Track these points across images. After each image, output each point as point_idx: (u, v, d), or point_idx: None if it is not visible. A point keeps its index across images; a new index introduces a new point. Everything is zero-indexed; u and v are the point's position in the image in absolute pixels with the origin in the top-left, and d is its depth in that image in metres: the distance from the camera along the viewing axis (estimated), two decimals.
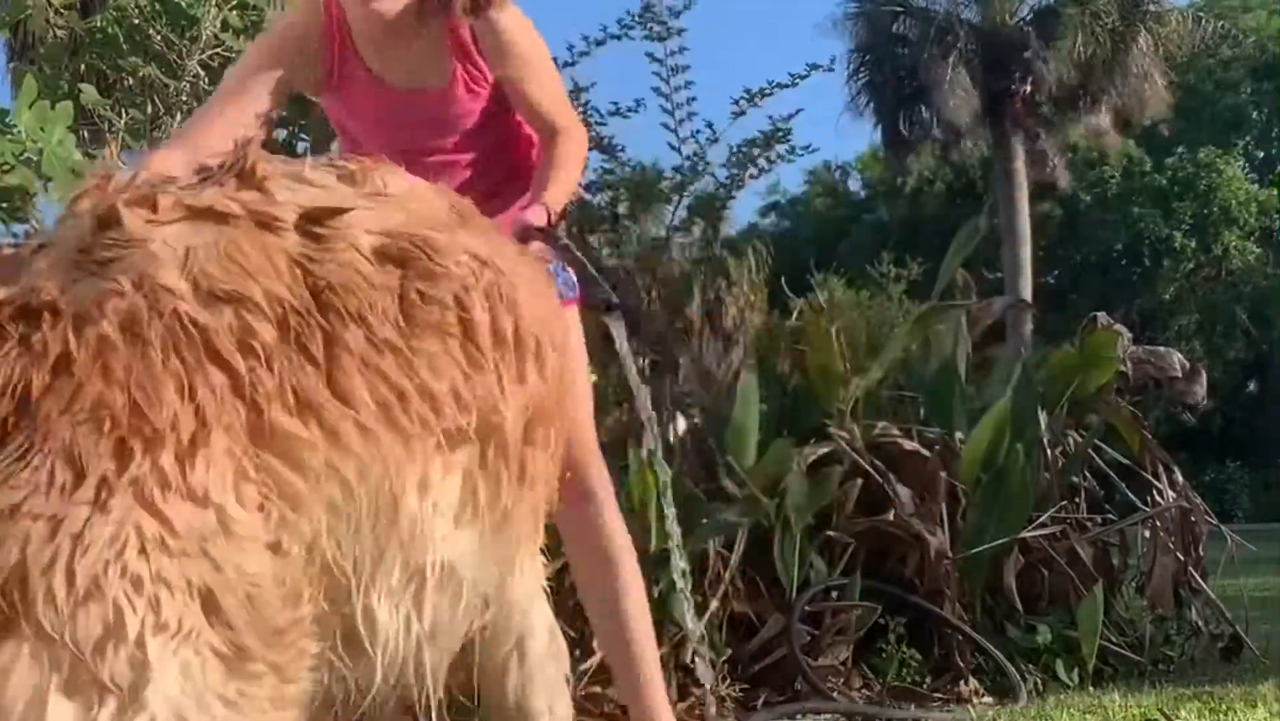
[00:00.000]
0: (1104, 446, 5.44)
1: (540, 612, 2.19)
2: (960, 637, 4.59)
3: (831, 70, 7.22)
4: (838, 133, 31.05)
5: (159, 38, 4.55)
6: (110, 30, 4.60)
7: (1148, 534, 5.33)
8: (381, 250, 1.76)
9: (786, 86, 6.36)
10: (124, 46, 4.57)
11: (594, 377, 5.40)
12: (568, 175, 2.70)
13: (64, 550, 1.41)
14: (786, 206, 34.45)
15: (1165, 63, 24.77)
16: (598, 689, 4.01)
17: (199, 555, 1.48)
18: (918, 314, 5.60)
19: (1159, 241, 32.34)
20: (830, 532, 4.58)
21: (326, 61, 2.73)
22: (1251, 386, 33.28)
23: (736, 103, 6.20)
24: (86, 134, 4.54)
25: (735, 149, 6.13)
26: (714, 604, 4.28)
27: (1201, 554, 5.36)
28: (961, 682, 4.49)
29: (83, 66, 4.84)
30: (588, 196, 5.62)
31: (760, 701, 4.23)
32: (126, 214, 1.67)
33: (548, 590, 2.25)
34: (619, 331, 2.54)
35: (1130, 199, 32.33)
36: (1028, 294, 22.64)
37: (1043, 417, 5.16)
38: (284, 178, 1.81)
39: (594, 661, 4.02)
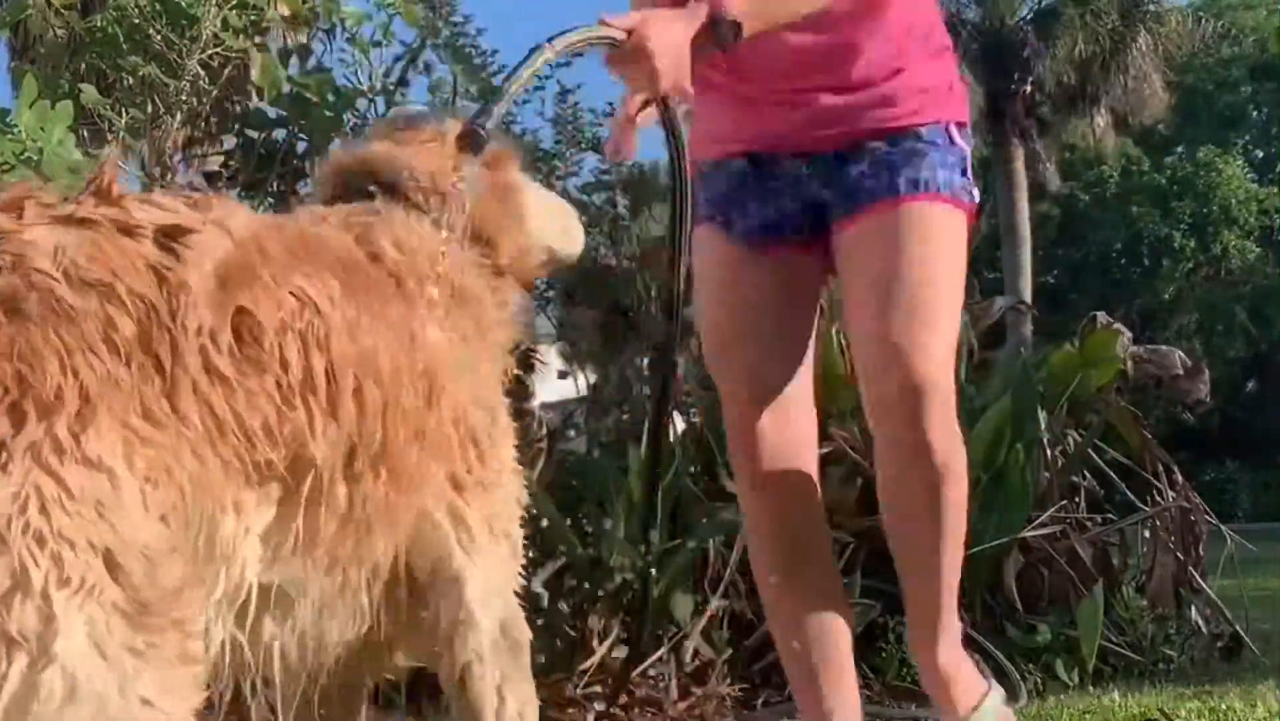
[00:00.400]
0: (1104, 446, 5.44)
1: (493, 608, 2.22)
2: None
3: None
4: None
5: (159, 38, 4.55)
6: (110, 30, 4.60)
7: (1148, 534, 5.34)
8: (221, 280, 1.82)
9: None
10: (124, 46, 4.56)
11: (593, 377, 5.42)
12: None
13: None
14: None
15: (1165, 62, 24.77)
16: (598, 688, 4.01)
17: (96, 517, 1.55)
18: None
19: (1158, 241, 32.37)
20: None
21: None
22: (1251, 386, 33.29)
23: None
24: (86, 134, 4.54)
25: None
26: (714, 603, 4.28)
27: (1201, 554, 5.36)
28: None
29: (83, 66, 4.84)
30: (585, 198, 5.61)
31: (760, 701, 4.23)
32: None
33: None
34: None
35: (1129, 198, 32.35)
36: (1028, 294, 22.64)
37: (1043, 417, 5.16)
38: (136, 199, 1.86)
39: (594, 661, 4.03)
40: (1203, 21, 26.82)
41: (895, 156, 2.67)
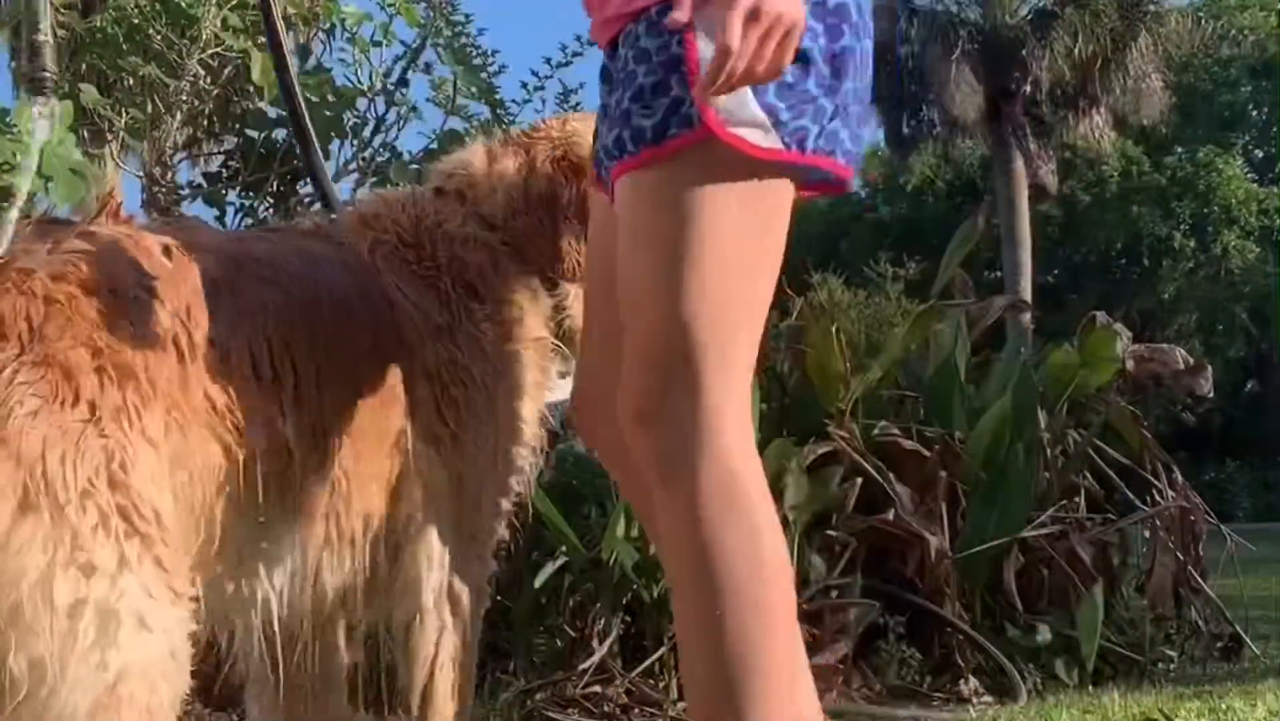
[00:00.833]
0: (1104, 446, 5.44)
1: (442, 562, 2.33)
2: (960, 637, 4.59)
3: None
4: None
5: (159, 38, 4.55)
6: (110, 30, 4.60)
7: (1148, 534, 5.33)
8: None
9: None
10: (124, 46, 4.56)
11: None
12: None
13: (69, 454, 1.80)
14: None
15: (1165, 62, 24.77)
16: (597, 688, 4.01)
17: (149, 481, 1.88)
18: (917, 313, 5.59)
19: (1158, 241, 32.37)
20: (830, 532, 4.57)
21: None
22: (1251, 386, 33.30)
23: None
24: (86, 134, 4.54)
25: None
26: None
27: (1201, 554, 5.36)
28: (961, 682, 4.49)
29: (83, 66, 4.84)
30: None
31: None
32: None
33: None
34: None
35: (1129, 199, 32.34)
36: (1027, 294, 22.62)
37: (1043, 417, 5.16)
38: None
39: (594, 661, 4.03)
40: (1203, 21, 26.83)
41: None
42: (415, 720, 2.36)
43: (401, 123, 4.75)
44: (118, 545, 1.82)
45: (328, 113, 4.54)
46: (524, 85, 5.25)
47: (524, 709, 3.92)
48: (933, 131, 25.93)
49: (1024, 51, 24.11)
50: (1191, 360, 5.83)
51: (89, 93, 4.52)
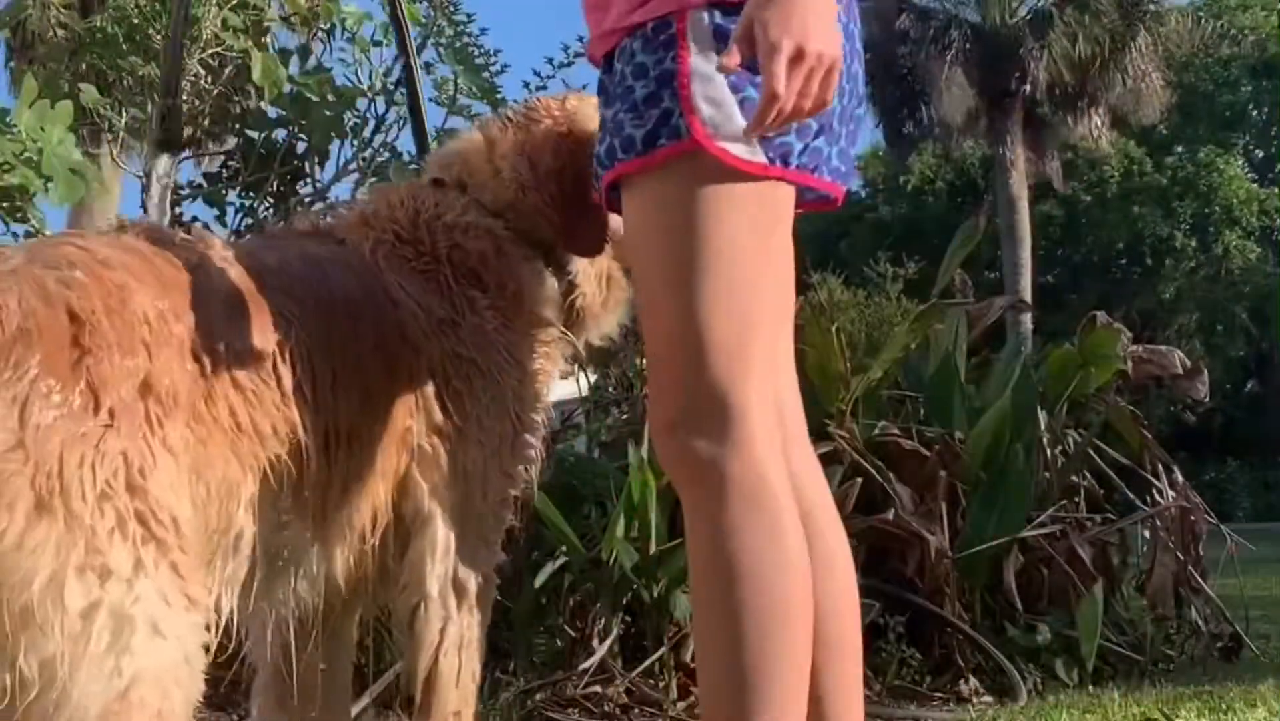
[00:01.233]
0: (1104, 446, 5.44)
1: (449, 553, 2.35)
2: (960, 637, 4.59)
3: None
4: None
5: (159, 38, 4.55)
6: (110, 30, 4.61)
7: (1148, 533, 5.34)
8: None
9: None
10: (124, 46, 4.57)
11: (593, 376, 5.42)
12: None
13: (88, 456, 1.81)
14: None
15: (1165, 62, 24.78)
16: (597, 688, 4.01)
17: (168, 488, 1.89)
18: (917, 313, 5.60)
19: (1159, 241, 32.37)
20: None
21: None
22: (1251, 386, 33.30)
23: None
24: (86, 134, 4.54)
25: None
26: None
27: (1201, 554, 5.36)
28: (961, 682, 4.49)
29: (83, 66, 4.85)
30: None
31: None
32: None
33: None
34: None
35: (1130, 198, 32.34)
36: (1028, 294, 22.64)
37: (1043, 417, 5.16)
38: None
39: (594, 661, 4.03)
40: (1202, 21, 26.83)
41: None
42: (419, 706, 2.38)
43: (402, 122, 4.75)
44: (134, 549, 1.82)
45: (328, 113, 4.54)
46: (526, 85, 5.25)
47: (524, 709, 3.92)
48: (933, 131, 25.94)
49: (1022, 51, 24.12)
50: (1189, 363, 5.84)
51: (89, 93, 4.52)
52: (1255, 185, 33.03)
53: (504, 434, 2.42)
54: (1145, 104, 24.57)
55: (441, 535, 2.34)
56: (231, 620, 2.13)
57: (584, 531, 4.19)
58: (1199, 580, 5.28)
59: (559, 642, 4.22)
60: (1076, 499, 5.23)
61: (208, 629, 1.97)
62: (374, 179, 4.61)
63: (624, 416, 4.96)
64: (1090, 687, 4.46)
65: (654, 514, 4.00)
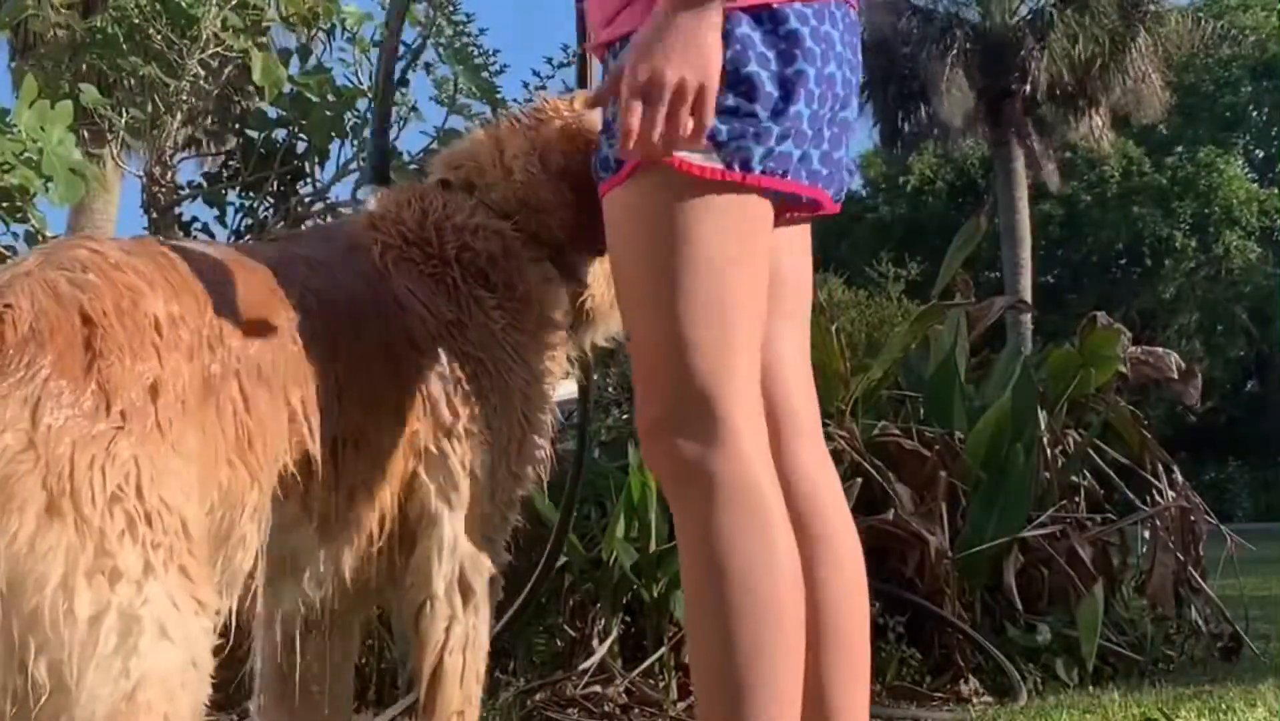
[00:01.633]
0: (1104, 446, 5.44)
1: (455, 551, 2.36)
2: (960, 637, 4.59)
3: None
4: None
5: (159, 38, 4.55)
6: (110, 30, 4.60)
7: (1148, 533, 5.34)
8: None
9: None
10: (124, 46, 4.56)
11: (595, 376, 5.42)
12: None
13: (98, 459, 1.82)
14: None
15: (1165, 62, 24.78)
16: (597, 688, 4.01)
17: (180, 494, 1.90)
18: (917, 313, 5.60)
19: (1159, 241, 32.39)
20: None
21: None
22: (1252, 386, 33.31)
23: None
24: (86, 134, 4.54)
25: None
26: None
27: (1201, 554, 5.36)
28: (961, 682, 4.49)
29: (83, 66, 4.84)
30: None
31: None
32: None
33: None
34: None
35: (1130, 198, 32.36)
36: (1028, 294, 22.64)
37: (1043, 417, 5.16)
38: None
39: (594, 661, 4.03)
40: (1202, 21, 26.83)
41: None
42: (422, 705, 2.38)
43: (402, 122, 4.75)
44: (144, 552, 1.83)
45: (328, 113, 4.54)
46: (525, 85, 5.25)
47: (524, 709, 3.93)
48: (932, 131, 25.95)
49: (1022, 52, 24.12)
50: (1184, 366, 5.85)
51: (89, 93, 4.52)
52: (1255, 185, 33.05)
53: (511, 435, 2.42)
54: (1145, 104, 24.57)
55: (448, 535, 2.34)
56: (237, 622, 2.13)
57: (584, 531, 4.20)
58: (1199, 580, 5.28)
59: (559, 642, 4.22)
60: (1076, 499, 5.24)
61: (217, 633, 1.97)
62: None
63: (624, 416, 4.96)
64: (1090, 687, 4.46)
65: (654, 514, 4.01)
